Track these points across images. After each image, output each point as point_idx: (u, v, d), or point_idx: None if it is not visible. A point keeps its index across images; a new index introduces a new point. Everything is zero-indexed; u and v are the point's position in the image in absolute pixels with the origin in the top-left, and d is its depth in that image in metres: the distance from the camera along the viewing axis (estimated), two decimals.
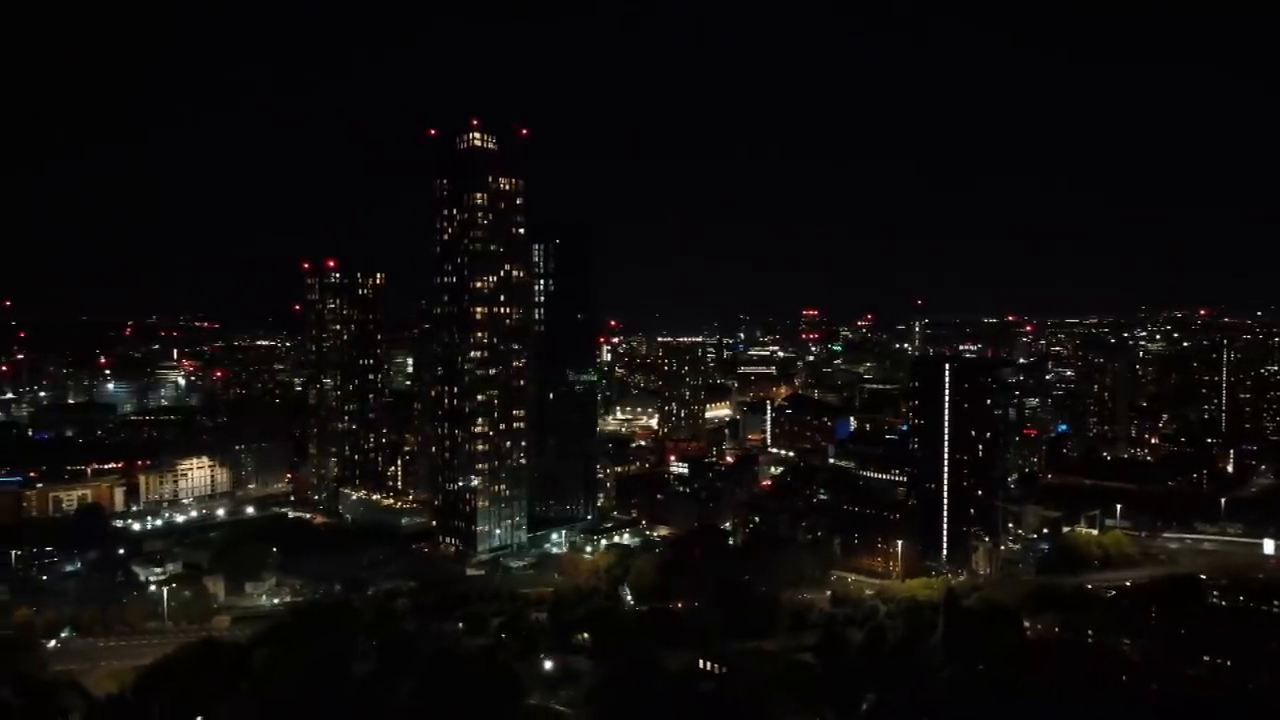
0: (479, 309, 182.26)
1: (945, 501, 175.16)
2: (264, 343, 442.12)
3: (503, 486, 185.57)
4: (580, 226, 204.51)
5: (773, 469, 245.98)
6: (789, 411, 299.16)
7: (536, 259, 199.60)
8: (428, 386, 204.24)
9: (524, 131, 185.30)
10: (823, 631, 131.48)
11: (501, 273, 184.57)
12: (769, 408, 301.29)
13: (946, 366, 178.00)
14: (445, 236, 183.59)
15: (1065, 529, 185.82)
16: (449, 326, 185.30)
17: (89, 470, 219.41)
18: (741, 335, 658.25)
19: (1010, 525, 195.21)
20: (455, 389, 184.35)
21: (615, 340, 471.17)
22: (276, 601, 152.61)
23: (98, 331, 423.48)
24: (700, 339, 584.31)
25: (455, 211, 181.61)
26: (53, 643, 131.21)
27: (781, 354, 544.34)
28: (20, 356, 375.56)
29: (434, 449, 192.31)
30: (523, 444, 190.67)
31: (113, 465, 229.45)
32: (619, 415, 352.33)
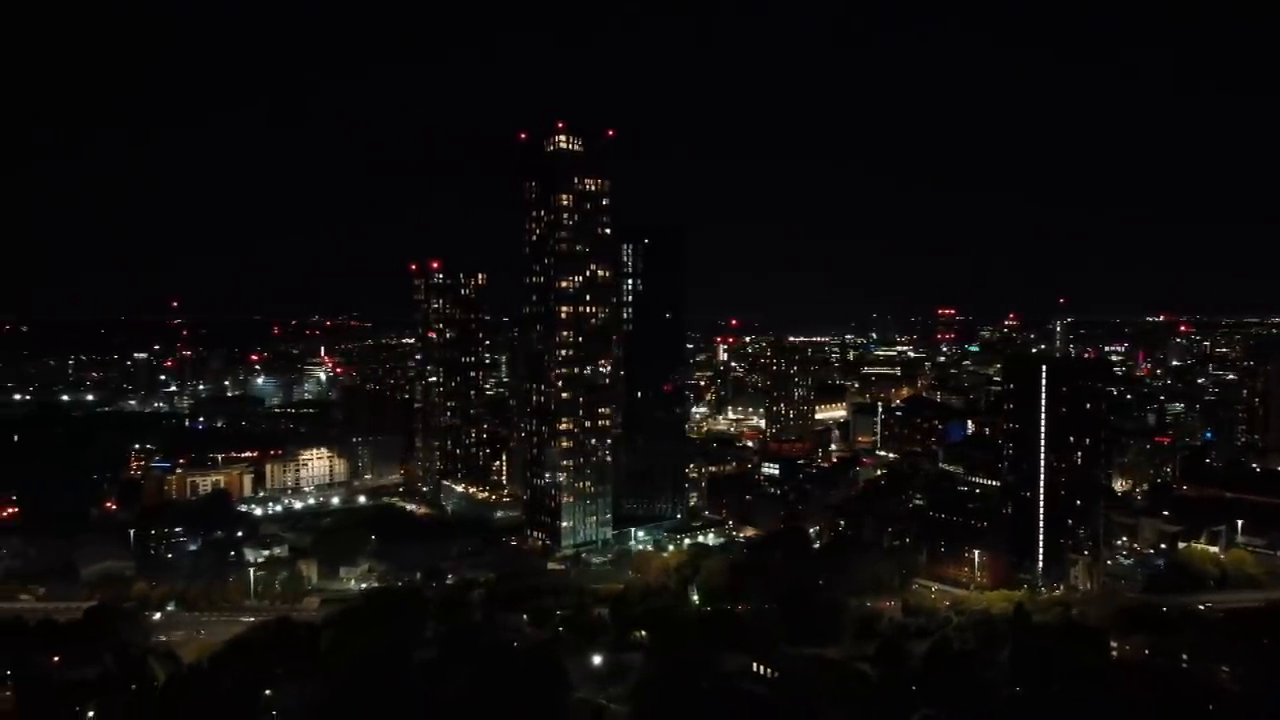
0: (564, 308, 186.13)
1: (1041, 511, 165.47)
2: (408, 340, 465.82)
3: (588, 483, 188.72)
4: (669, 227, 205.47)
5: (879, 472, 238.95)
6: (901, 414, 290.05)
7: (626, 259, 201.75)
8: (519, 384, 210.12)
9: (610, 132, 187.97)
10: (883, 640, 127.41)
11: (587, 273, 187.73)
12: (880, 409, 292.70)
13: (1043, 367, 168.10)
14: (534, 238, 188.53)
15: (1182, 545, 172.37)
16: (536, 325, 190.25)
17: (221, 458, 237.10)
18: (873, 335, 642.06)
19: (1124, 539, 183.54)
20: (542, 386, 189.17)
21: (732, 339, 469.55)
22: (364, 586, 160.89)
23: (252, 330, 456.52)
24: (827, 339, 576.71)
25: (542, 213, 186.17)
26: (158, 615, 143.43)
27: (912, 354, 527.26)
28: (185, 353, 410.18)
29: (524, 445, 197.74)
30: (609, 442, 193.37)
31: (248, 454, 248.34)
32: (730, 415, 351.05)
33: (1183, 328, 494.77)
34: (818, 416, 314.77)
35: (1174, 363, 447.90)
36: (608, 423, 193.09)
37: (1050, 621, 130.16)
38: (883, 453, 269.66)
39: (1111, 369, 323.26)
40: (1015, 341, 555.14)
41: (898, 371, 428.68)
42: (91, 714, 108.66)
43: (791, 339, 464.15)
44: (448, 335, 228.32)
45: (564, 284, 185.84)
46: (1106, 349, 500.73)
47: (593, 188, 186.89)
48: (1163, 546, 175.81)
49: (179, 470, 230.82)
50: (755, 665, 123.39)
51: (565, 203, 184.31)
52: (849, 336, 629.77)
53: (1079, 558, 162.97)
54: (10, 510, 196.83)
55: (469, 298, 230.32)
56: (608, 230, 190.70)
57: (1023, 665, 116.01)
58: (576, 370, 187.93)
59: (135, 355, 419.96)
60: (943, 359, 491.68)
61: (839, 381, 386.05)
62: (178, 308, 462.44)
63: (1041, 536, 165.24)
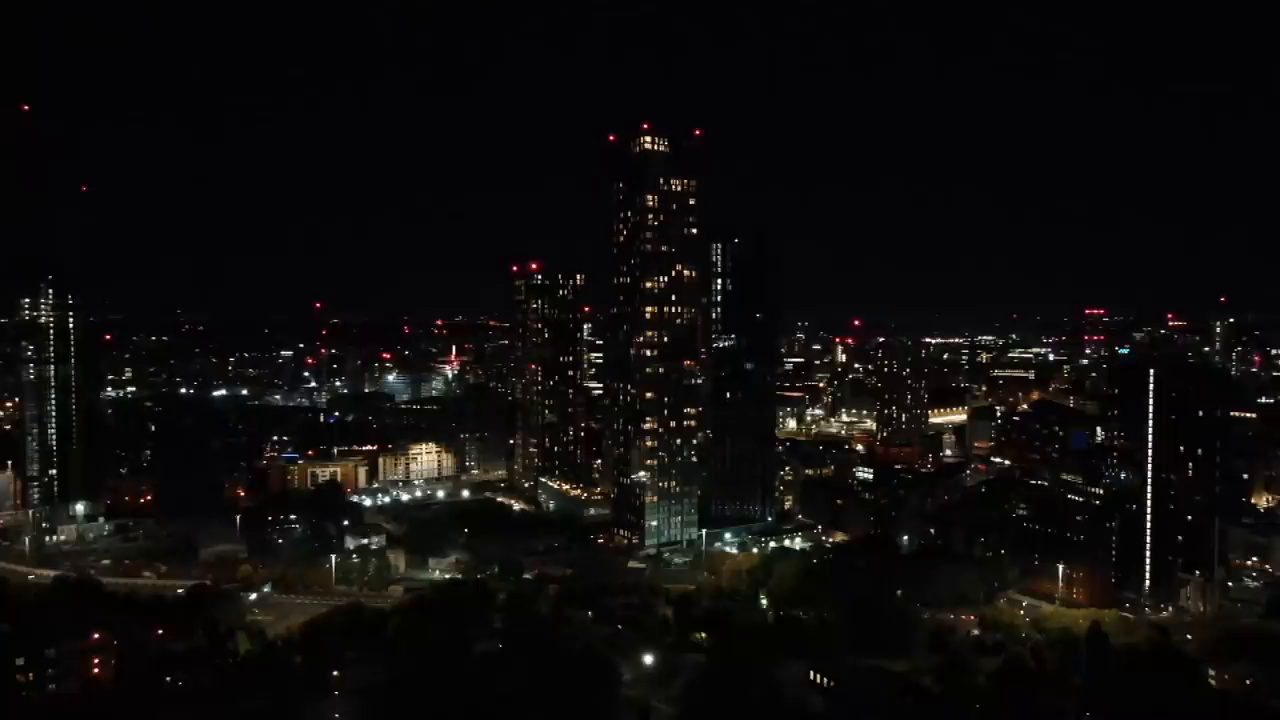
0: (649, 309, 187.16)
1: (1148, 526, 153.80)
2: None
3: (673, 483, 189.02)
4: (759, 227, 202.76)
5: (981, 480, 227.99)
6: (1022, 419, 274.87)
7: (715, 259, 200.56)
8: (611, 383, 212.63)
9: (698, 132, 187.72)
10: (949, 655, 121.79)
11: (673, 273, 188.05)
12: (998, 414, 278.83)
13: (1152, 373, 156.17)
14: (620, 238, 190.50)
15: None
16: (622, 326, 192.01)
17: (338, 451, 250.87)
18: (1013, 336, 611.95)
19: (1254, 559, 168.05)
20: (628, 386, 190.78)
21: (851, 340, 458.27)
22: (448, 576, 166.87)
23: (384, 329, 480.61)
24: (961, 339, 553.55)
25: (629, 214, 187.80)
26: (253, 595, 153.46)
27: (1053, 357, 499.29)
28: (323, 351, 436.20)
29: (612, 444, 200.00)
30: (694, 442, 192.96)
31: (366, 448, 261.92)
32: (844, 417, 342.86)
33: None
34: (934, 420, 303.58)
35: None
36: (694, 423, 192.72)
37: (1137, 644, 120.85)
38: (998, 460, 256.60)
39: (1229, 376, 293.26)
40: (1175, 344, 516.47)
41: (1030, 375, 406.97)
42: (180, 684, 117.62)
43: (926, 340, 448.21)
44: (546, 335, 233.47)
45: (649, 284, 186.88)
46: (1274, 352, 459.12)
47: (679, 188, 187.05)
48: None
49: (301, 461, 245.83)
50: (812, 674, 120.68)
51: (651, 203, 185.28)
52: (989, 338, 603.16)
53: (1190, 578, 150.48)
54: (147, 496, 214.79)
55: (566, 298, 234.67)
56: (694, 230, 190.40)
57: (1096, 690, 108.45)
58: (661, 370, 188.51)
59: (282, 353, 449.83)
60: (1085, 362, 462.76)
61: (963, 384, 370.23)
62: (320, 308, 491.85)
63: (1148, 554, 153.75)
